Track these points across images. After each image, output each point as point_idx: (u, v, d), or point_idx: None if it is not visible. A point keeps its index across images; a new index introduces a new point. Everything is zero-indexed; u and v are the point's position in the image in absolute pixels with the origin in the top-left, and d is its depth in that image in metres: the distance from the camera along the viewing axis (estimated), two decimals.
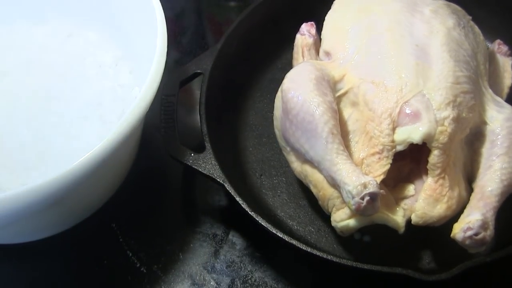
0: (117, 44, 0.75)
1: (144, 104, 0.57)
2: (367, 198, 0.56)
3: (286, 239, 0.59)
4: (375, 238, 0.64)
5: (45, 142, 0.66)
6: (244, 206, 0.61)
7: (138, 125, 0.58)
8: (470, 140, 0.62)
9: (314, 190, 0.63)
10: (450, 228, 0.58)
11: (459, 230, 0.57)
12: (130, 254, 0.67)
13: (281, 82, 0.64)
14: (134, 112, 0.56)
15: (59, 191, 0.53)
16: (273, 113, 0.67)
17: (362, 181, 0.56)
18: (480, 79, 0.64)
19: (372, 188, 0.56)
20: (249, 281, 0.64)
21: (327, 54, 0.68)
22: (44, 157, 0.65)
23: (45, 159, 0.65)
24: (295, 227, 0.66)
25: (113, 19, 0.73)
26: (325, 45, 0.68)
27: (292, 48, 0.72)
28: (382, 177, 0.59)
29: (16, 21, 0.77)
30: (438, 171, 0.59)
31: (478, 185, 0.60)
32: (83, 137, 0.66)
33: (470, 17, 0.69)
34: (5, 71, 0.72)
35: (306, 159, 0.62)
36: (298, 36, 0.72)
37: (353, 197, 0.56)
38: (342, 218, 0.60)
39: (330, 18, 0.70)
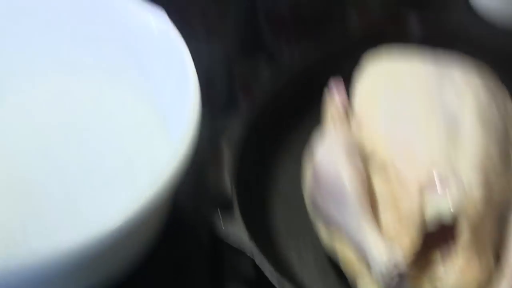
0: (149, 100, 0.75)
1: (178, 169, 0.57)
2: (395, 278, 0.55)
3: None
4: None
5: (72, 205, 0.66)
6: (272, 273, 0.61)
7: (172, 190, 0.58)
8: (502, 213, 0.62)
9: (342, 261, 0.63)
10: None
11: None
12: None
13: (312, 146, 0.65)
14: (168, 177, 0.56)
15: (87, 254, 0.53)
16: (303, 179, 0.67)
17: (391, 257, 0.56)
18: None
19: (400, 266, 0.56)
20: None
21: (358, 124, 0.68)
22: (71, 220, 0.65)
23: (71, 222, 0.65)
24: None
25: (148, 79, 0.74)
26: (355, 115, 0.69)
27: (323, 111, 0.73)
28: (409, 249, 0.59)
29: (45, 76, 0.78)
30: (466, 250, 0.58)
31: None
32: (111, 202, 0.66)
33: (505, 90, 0.70)
34: (37, 124, 0.73)
35: (335, 228, 0.63)
36: (329, 103, 0.72)
37: (381, 273, 0.56)
38: None
39: (361, 88, 0.71)
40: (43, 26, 0.76)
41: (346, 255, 0.62)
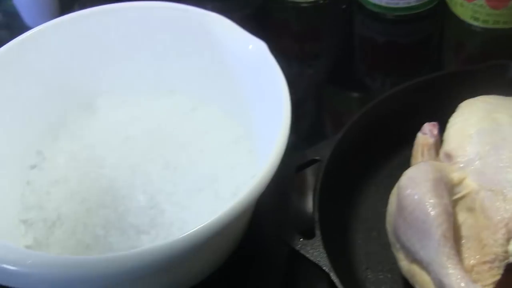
0: (239, 122, 0.76)
1: (261, 184, 0.57)
2: None
3: None
4: None
5: (158, 209, 0.68)
6: None
7: (252, 204, 0.59)
8: None
9: (419, 283, 0.62)
10: None
11: None
12: None
13: (398, 179, 0.64)
14: (250, 191, 0.57)
15: (168, 257, 0.53)
16: (386, 209, 0.67)
17: None
18: None
19: None
20: None
21: (448, 156, 0.67)
22: (155, 223, 0.66)
23: (156, 225, 0.66)
24: None
25: (238, 97, 0.75)
26: (446, 147, 0.68)
27: (411, 146, 0.72)
28: (491, 287, 0.58)
29: (144, 92, 0.80)
30: None
31: None
32: (194, 209, 0.68)
33: None
34: (128, 136, 0.75)
35: (415, 259, 0.62)
36: (419, 134, 0.72)
37: None
38: None
39: (454, 121, 0.70)
40: (147, 55, 0.80)
41: (424, 280, 0.61)
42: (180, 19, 0.76)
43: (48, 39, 0.75)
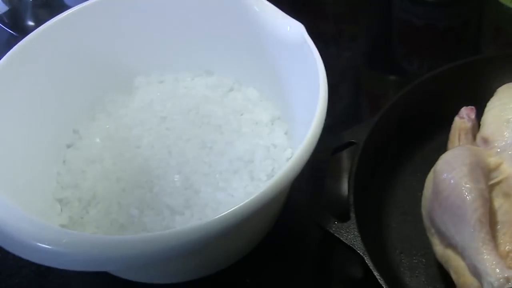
0: (275, 103, 0.77)
1: (297, 166, 0.57)
2: None
3: None
4: None
5: (192, 189, 0.68)
6: (381, 281, 0.60)
7: (288, 186, 0.59)
8: None
9: (454, 276, 0.62)
10: None
11: None
12: None
13: (434, 163, 0.64)
14: (285, 173, 0.56)
15: (202, 238, 0.53)
16: (421, 193, 0.67)
17: (506, 275, 0.55)
18: None
19: None
20: None
21: (485, 141, 0.67)
22: (190, 204, 0.67)
23: (190, 206, 0.67)
24: None
25: (275, 78, 0.75)
26: (483, 131, 0.68)
27: (448, 130, 0.72)
28: None
29: (181, 72, 0.81)
30: None
31: None
32: (229, 190, 0.68)
33: None
34: (165, 116, 0.76)
35: (449, 244, 0.61)
36: (456, 118, 0.71)
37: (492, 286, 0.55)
38: None
39: (492, 106, 0.70)
40: (184, 35, 0.80)
41: (458, 265, 0.60)
42: (218, 0, 0.76)
43: (86, 19, 0.75)
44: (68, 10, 0.75)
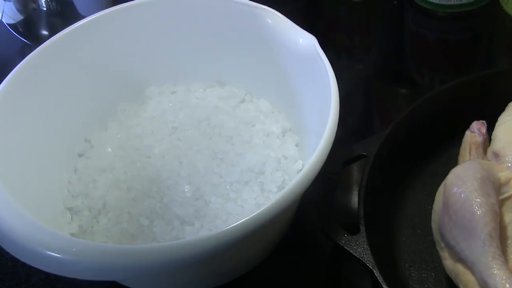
0: (287, 115, 0.77)
1: (307, 178, 0.57)
2: None
3: None
4: None
5: (203, 200, 0.68)
6: None
7: (298, 198, 0.59)
8: None
9: (463, 282, 0.61)
10: None
11: None
12: None
13: (444, 177, 0.64)
14: (296, 185, 0.56)
15: (211, 249, 0.53)
16: (431, 206, 0.66)
17: None
18: None
19: None
20: None
21: (496, 155, 0.66)
22: (200, 214, 0.67)
23: (200, 217, 0.67)
24: None
25: (287, 90, 0.75)
26: (494, 146, 0.67)
27: (459, 144, 0.72)
28: None
29: (193, 82, 0.82)
30: None
31: None
32: (240, 202, 0.68)
33: None
34: (176, 127, 0.76)
35: (459, 258, 0.61)
36: (467, 133, 0.71)
37: None
38: None
39: (503, 120, 0.70)
40: (197, 45, 0.80)
41: (468, 280, 0.60)
42: (232, 11, 0.76)
43: (100, 28, 0.76)
44: (80, 21, 0.75)
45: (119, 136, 0.76)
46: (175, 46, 0.80)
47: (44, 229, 0.55)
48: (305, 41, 0.69)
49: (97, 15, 0.76)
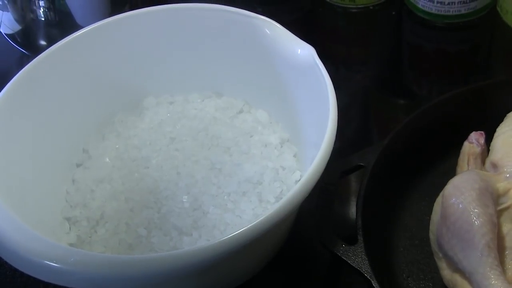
0: (285, 125, 0.77)
1: (305, 189, 0.57)
2: None
3: None
4: None
5: (201, 211, 0.68)
6: None
7: (296, 208, 0.59)
8: None
9: None
10: None
11: None
12: None
13: (443, 187, 0.64)
14: (294, 196, 0.56)
15: (209, 259, 0.53)
16: (429, 217, 0.66)
17: None
18: None
19: None
20: None
21: (494, 166, 0.67)
22: (198, 225, 0.67)
23: (198, 227, 0.67)
24: None
25: (285, 101, 0.75)
26: (493, 156, 0.68)
27: (457, 155, 0.72)
28: None
29: (190, 93, 0.82)
30: None
31: None
32: (238, 212, 0.68)
33: None
34: (174, 137, 0.76)
35: (457, 268, 0.61)
36: (466, 143, 0.71)
37: None
38: None
39: (502, 131, 0.70)
40: (195, 56, 0.80)
41: None
42: (230, 21, 0.76)
43: (98, 39, 0.76)
44: (78, 31, 0.75)
45: (117, 146, 0.76)
46: (172, 57, 0.80)
47: (42, 239, 0.55)
48: (304, 52, 0.69)
49: (95, 26, 0.76)
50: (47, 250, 0.53)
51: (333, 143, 0.61)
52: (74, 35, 0.75)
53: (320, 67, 0.67)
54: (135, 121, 0.79)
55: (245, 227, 0.54)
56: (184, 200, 0.69)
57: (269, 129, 0.77)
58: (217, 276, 0.63)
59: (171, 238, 0.66)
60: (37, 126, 0.71)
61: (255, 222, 0.54)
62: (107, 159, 0.75)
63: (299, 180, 0.68)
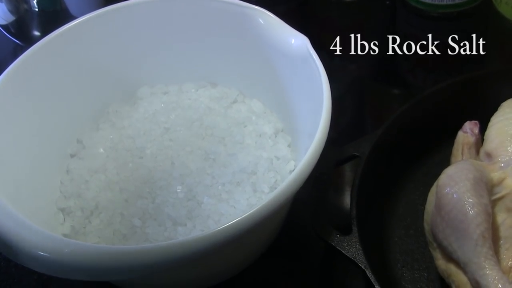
0: (279, 115, 0.77)
1: (299, 179, 0.57)
2: None
3: None
4: None
5: (195, 201, 0.68)
6: None
7: (290, 198, 0.59)
8: None
9: (455, 283, 0.61)
10: None
11: None
12: None
13: (437, 177, 0.64)
14: (288, 186, 0.56)
15: (204, 249, 0.53)
16: (424, 207, 0.67)
17: None
18: None
19: None
20: None
21: (488, 155, 0.67)
22: (192, 215, 0.67)
23: (193, 217, 0.67)
24: None
25: (279, 91, 0.75)
26: (487, 146, 0.68)
27: (452, 144, 0.72)
28: None
29: (184, 83, 0.81)
30: None
31: None
32: (232, 202, 0.68)
33: None
34: (168, 127, 0.76)
35: (452, 258, 0.61)
36: (460, 133, 0.71)
37: None
38: None
39: (496, 120, 0.70)
40: (189, 46, 0.80)
41: (460, 280, 0.60)
42: (223, 12, 0.76)
43: (91, 30, 0.76)
44: (72, 22, 0.75)
45: (111, 137, 0.76)
46: (166, 47, 0.80)
47: (37, 229, 0.54)
48: (297, 42, 0.69)
49: (88, 16, 0.75)
50: (41, 241, 0.53)
51: (327, 133, 0.61)
52: (67, 26, 0.74)
53: (314, 56, 0.67)
54: (130, 111, 0.79)
55: (239, 217, 0.54)
56: (179, 190, 0.69)
57: (263, 119, 0.77)
58: (212, 266, 0.64)
59: (165, 229, 0.66)
60: (31, 117, 0.70)
61: (249, 212, 0.54)
62: (101, 150, 0.75)
63: (293, 170, 0.68)
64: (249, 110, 0.77)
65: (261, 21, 0.73)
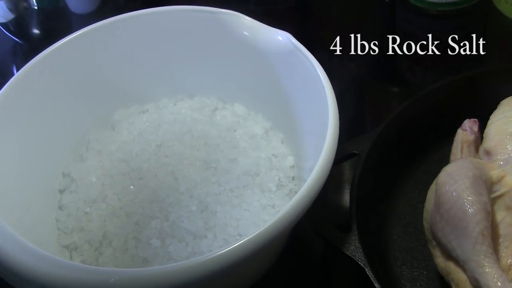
0: (265, 115, 0.77)
1: (319, 183, 0.57)
2: None
3: None
4: None
5: (209, 211, 0.67)
6: None
7: (312, 201, 0.58)
8: None
9: (454, 281, 0.61)
10: None
11: None
12: None
13: (436, 175, 0.64)
14: (309, 189, 0.56)
15: (232, 263, 0.52)
16: (423, 205, 0.67)
17: None
18: None
19: None
20: None
21: (488, 153, 0.67)
22: (210, 226, 0.66)
23: (211, 228, 0.66)
24: None
25: (264, 91, 0.75)
26: (486, 144, 0.68)
27: (451, 143, 0.72)
28: None
29: (160, 99, 0.80)
30: None
31: None
32: (245, 206, 0.67)
33: None
34: (160, 144, 0.75)
35: (451, 256, 0.61)
36: (459, 131, 0.71)
37: None
38: None
39: (495, 118, 0.70)
40: (164, 60, 0.79)
41: (460, 278, 0.60)
42: (195, 21, 0.75)
43: (59, 59, 0.73)
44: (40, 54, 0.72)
45: (101, 164, 0.73)
46: (138, 66, 0.78)
47: (71, 264, 0.53)
48: (283, 38, 0.69)
49: (59, 44, 0.73)
50: (86, 277, 0.51)
51: (337, 134, 0.61)
52: (36, 59, 0.71)
53: (301, 49, 0.67)
54: (112, 135, 0.76)
55: (262, 228, 0.53)
56: (190, 203, 0.67)
57: (250, 120, 0.76)
58: (240, 276, 0.63)
59: (187, 244, 0.64)
60: (13, 154, 0.67)
61: (269, 223, 0.53)
62: (94, 179, 0.72)
63: (292, 165, 0.69)
64: (234, 115, 0.77)
65: (235, 24, 0.73)
